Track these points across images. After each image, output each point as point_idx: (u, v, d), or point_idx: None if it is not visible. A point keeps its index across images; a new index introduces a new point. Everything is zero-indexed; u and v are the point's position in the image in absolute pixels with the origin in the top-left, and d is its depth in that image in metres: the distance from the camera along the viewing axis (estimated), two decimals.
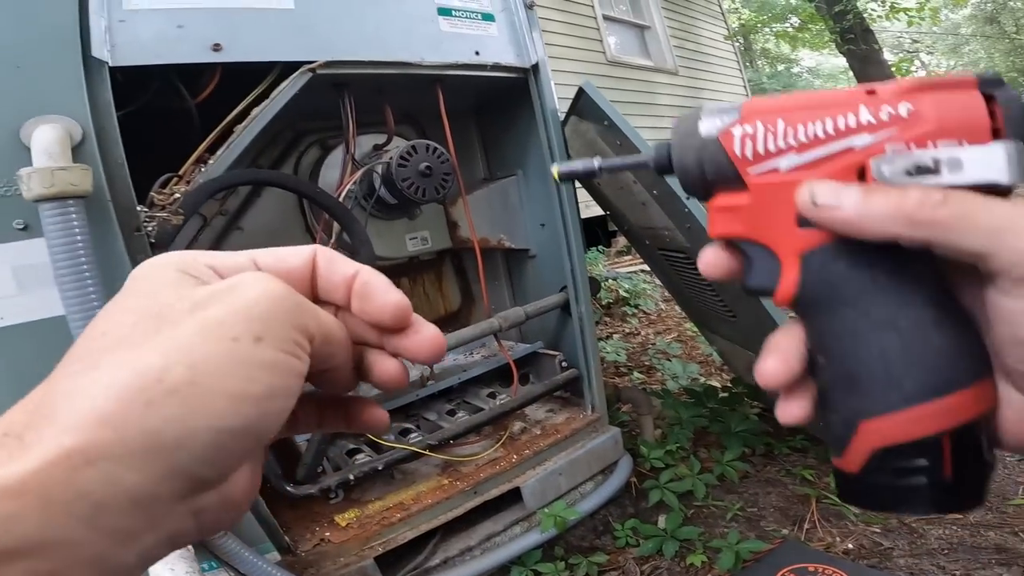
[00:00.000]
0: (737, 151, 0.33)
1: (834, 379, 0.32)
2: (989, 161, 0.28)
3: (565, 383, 1.68)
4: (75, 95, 0.90)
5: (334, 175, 1.45)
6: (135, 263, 0.94)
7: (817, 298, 0.32)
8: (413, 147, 1.38)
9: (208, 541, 1.05)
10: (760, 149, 0.33)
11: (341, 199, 1.27)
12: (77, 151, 0.90)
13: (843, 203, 0.29)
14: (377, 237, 1.59)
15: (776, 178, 0.33)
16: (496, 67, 1.47)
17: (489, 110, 1.80)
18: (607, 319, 3.88)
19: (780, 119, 0.32)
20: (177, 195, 0.95)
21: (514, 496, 1.53)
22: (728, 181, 0.34)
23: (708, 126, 0.34)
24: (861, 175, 0.30)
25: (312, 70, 1.16)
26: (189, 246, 1.38)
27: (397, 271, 1.83)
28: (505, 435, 1.63)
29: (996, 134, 0.28)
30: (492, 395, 1.69)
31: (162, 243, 0.94)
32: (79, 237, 0.84)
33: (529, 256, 1.77)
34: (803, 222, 0.32)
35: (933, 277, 0.30)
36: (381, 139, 1.54)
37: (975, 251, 0.26)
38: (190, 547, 1.02)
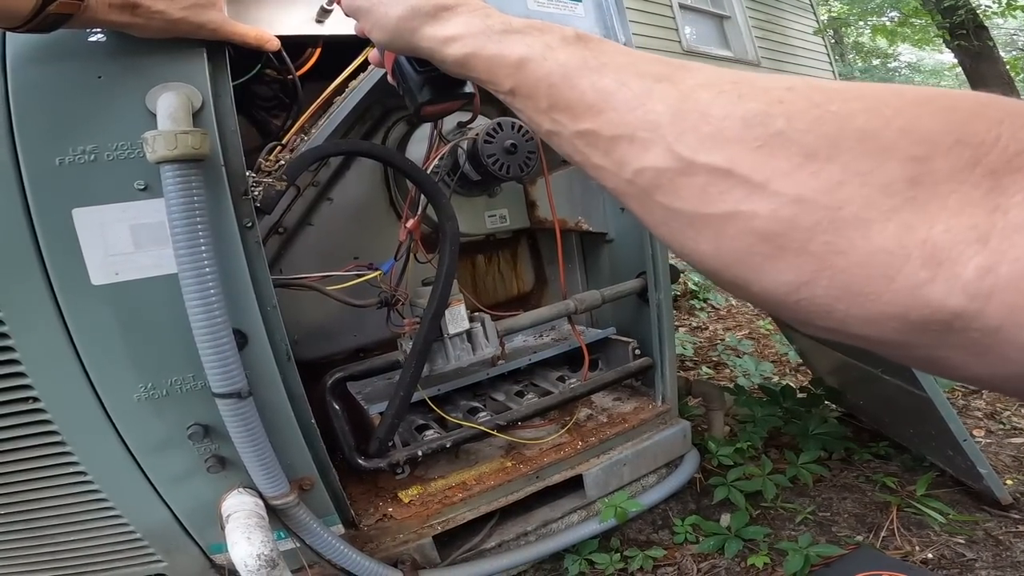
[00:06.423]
0: None
1: None
2: None
3: (638, 371, 1.64)
4: (196, 64, 0.95)
5: (421, 149, 1.47)
6: (240, 226, 0.99)
7: None
8: (499, 124, 1.39)
9: (281, 511, 1.09)
10: None
11: (428, 173, 1.29)
12: (196, 117, 0.95)
13: None
14: (459, 212, 1.61)
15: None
16: None
17: None
18: (673, 311, 3.80)
19: None
20: (282, 162, 1.00)
21: (574, 483, 1.52)
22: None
23: None
24: None
25: None
26: (283, 215, 1.44)
27: (474, 248, 1.84)
28: (571, 421, 1.62)
29: None
30: (561, 379, 1.67)
31: (266, 208, 0.99)
32: (196, 198, 0.89)
33: (606, 240, 1.75)
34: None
35: None
36: (465, 117, 1.55)
37: None
38: (265, 517, 1.04)
